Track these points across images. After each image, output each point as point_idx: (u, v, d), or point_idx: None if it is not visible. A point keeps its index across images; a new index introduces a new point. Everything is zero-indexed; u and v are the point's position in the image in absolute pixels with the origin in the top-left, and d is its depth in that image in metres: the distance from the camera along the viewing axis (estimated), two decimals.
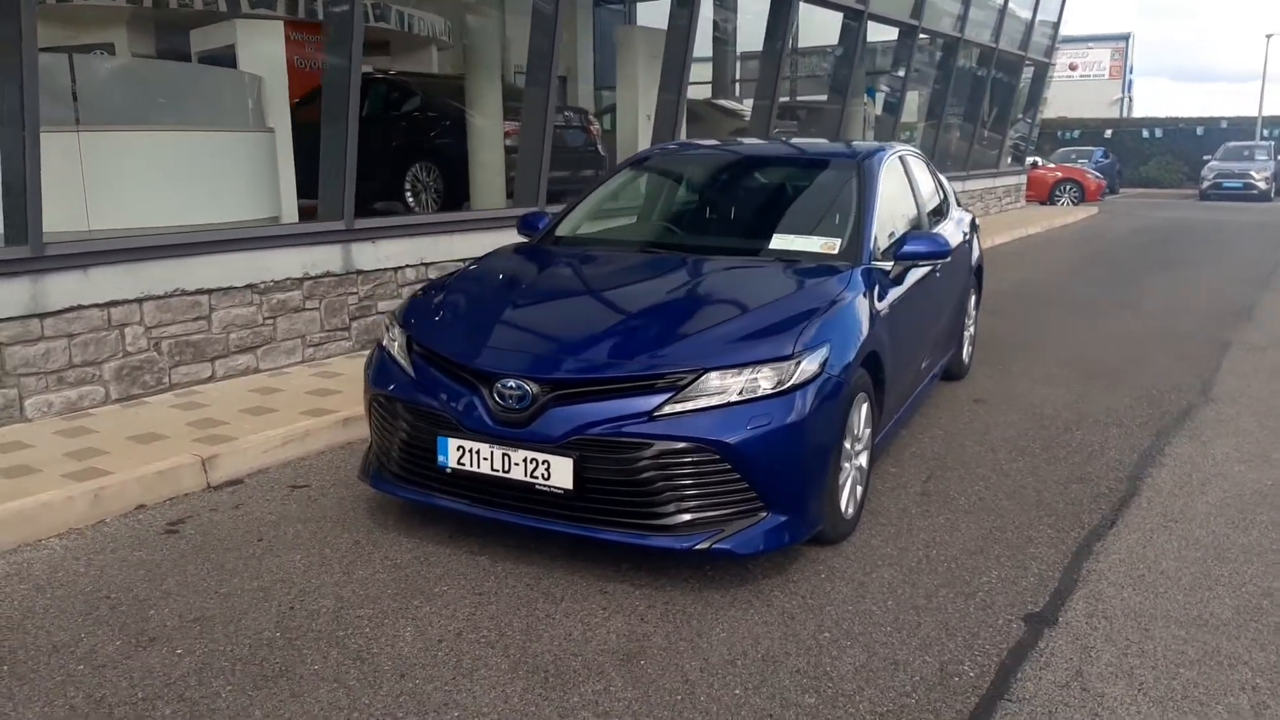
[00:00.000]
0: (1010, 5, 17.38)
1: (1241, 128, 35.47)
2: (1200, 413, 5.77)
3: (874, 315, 4.03)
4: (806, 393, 3.40)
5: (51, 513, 3.88)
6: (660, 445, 3.26)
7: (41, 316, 4.92)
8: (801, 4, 10.83)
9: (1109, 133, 38.03)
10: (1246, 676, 2.95)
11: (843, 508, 3.78)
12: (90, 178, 5.99)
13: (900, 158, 5.41)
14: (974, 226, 6.79)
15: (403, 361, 3.79)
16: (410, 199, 9.79)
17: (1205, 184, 28.50)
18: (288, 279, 6.06)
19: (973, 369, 6.73)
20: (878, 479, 4.51)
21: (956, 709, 2.78)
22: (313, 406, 5.21)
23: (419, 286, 4.61)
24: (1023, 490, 4.50)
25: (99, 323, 5.15)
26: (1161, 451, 5.05)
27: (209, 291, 5.64)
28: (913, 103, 16.63)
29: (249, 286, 5.86)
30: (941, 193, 6.20)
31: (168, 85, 7.01)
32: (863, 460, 4.01)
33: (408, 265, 6.83)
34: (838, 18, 12.23)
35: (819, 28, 14.53)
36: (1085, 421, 5.58)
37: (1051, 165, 26.09)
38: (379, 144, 9.33)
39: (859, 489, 3.97)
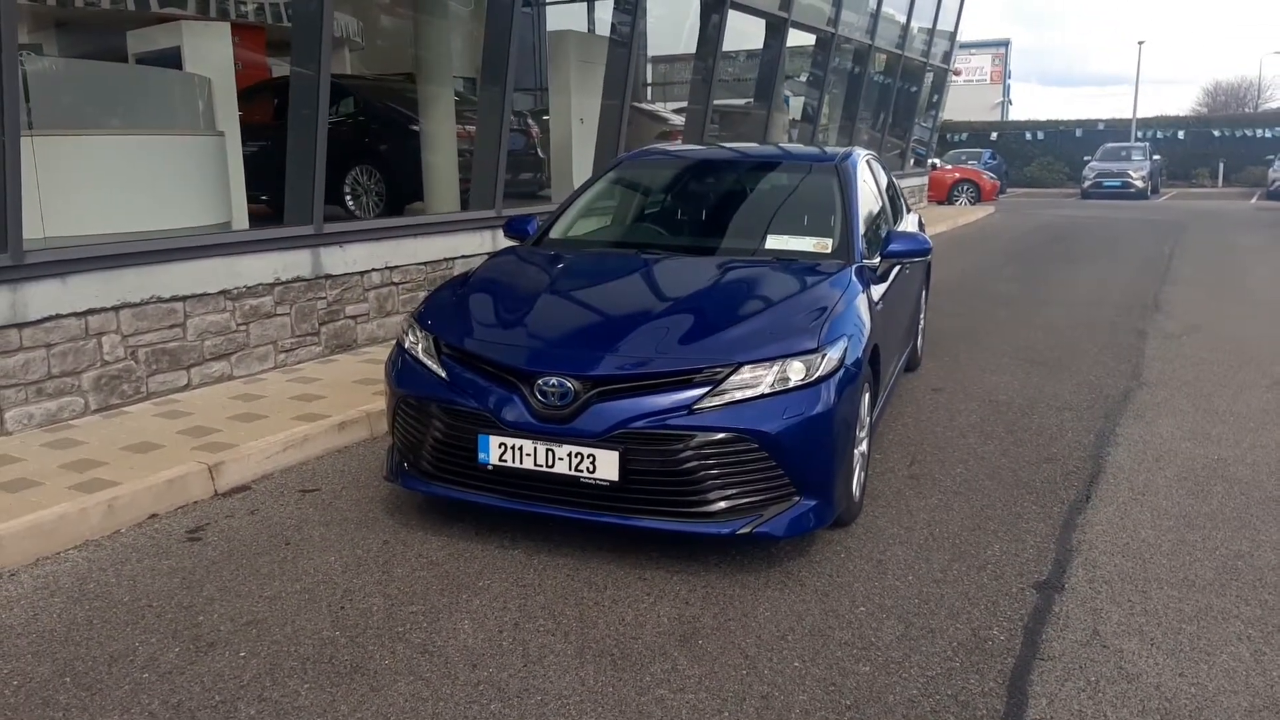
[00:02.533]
0: (914, 15, 18.10)
1: (1117, 129, 37.61)
2: (1138, 396, 6.22)
3: (872, 309, 4.27)
4: (830, 384, 3.61)
5: (67, 524, 3.82)
6: (702, 436, 3.42)
7: (20, 327, 4.79)
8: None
9: (995, 135, 39.82)
10: (1240, 629, 3.28)
11: (852, 491, 4.01)
12: (45, 183, 5.80)
13: (867, 161, 5.70)
14: (921, 225, 7.15)
15: (430, 363, 3.86)
16: (350, 202, 9.70)
17: (1087, 183, 30.13)
18: (259, 284, 6.00)
19: (923, 360, 7.09)
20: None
21: (998, 669, 3.02)
22: (302, 412, 5.19)
23: (433, 289, 4.64)
24: (1000, 471, 4.81)
25: (77, 332, 5.03)
26: (1113, 432, 5.45)
27: (183, 298, 5.55)
28: (824, 107, 17.15)
29: (222, 293, 5.78)
30: (897, 193, 6.52)
31: (119, 88, 6.81)
32: (864, 446, 4.24)
33: (373, 269, 6.81)
34: (751, 23, 12.56)
35: (732, 34, 14.90)
36: (1038, 406, 5.97)
37: (949, 167, 27.18)
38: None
39: (861, 473, 4.21)
